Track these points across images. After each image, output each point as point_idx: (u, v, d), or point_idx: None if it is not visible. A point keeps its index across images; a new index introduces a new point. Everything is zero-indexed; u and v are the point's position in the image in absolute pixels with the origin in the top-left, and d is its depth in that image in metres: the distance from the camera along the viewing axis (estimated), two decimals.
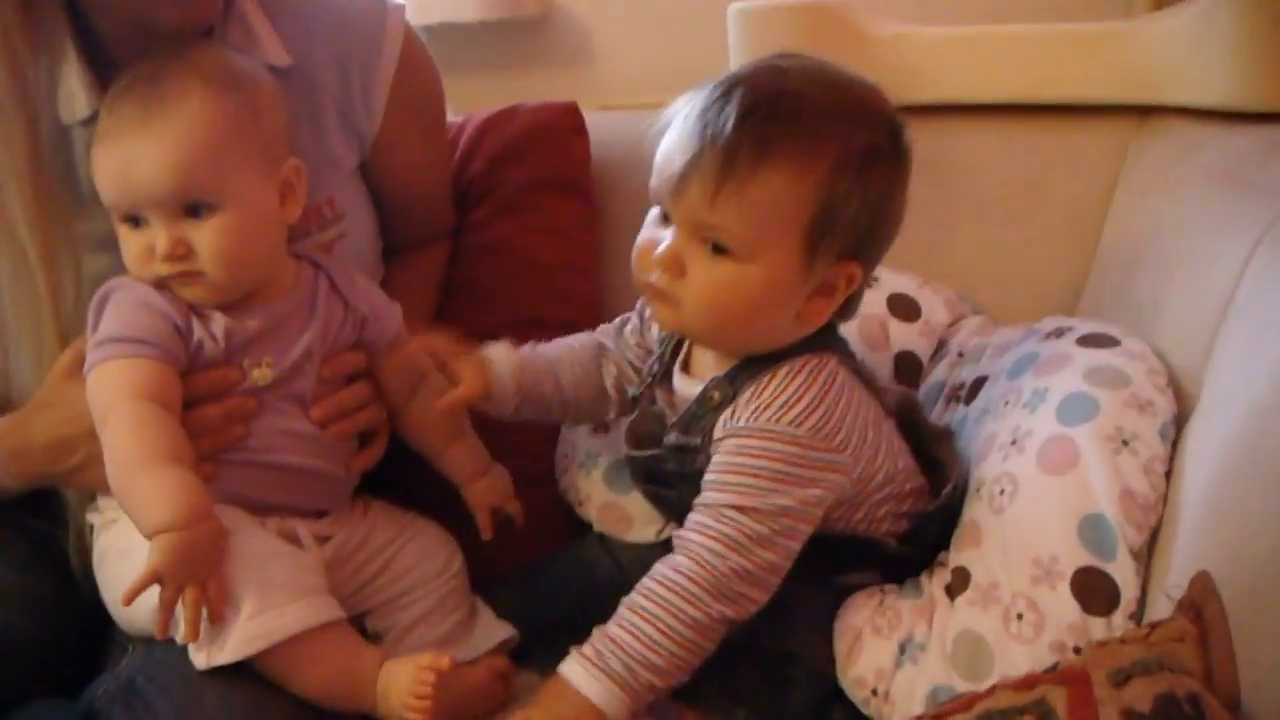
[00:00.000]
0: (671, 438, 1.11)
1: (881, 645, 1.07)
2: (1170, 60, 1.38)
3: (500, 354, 1.22)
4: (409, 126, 1.34)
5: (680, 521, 1.08)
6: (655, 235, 1.05)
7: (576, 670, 1.01)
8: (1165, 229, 1.30)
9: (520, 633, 1.24)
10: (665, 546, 1.25)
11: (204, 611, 1.00)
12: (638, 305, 1.26)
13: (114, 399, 1.03)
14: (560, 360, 1.24)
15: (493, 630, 1.22)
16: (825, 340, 1.08)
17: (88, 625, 1.17)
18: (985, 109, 1.49)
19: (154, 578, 0.97)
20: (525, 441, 1.36)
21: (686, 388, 1.11)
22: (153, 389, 1.04)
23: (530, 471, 1.34)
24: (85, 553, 1.17)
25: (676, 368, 1.14)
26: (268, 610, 1.01)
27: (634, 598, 1.03)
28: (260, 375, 1.10)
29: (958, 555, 1.09)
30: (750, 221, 1.00)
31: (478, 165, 1.54)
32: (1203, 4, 1.36)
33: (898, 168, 1.04)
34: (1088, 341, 1.17)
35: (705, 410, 1.07)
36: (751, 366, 1.06)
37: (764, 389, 1.04)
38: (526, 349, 1.25)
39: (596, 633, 1.03)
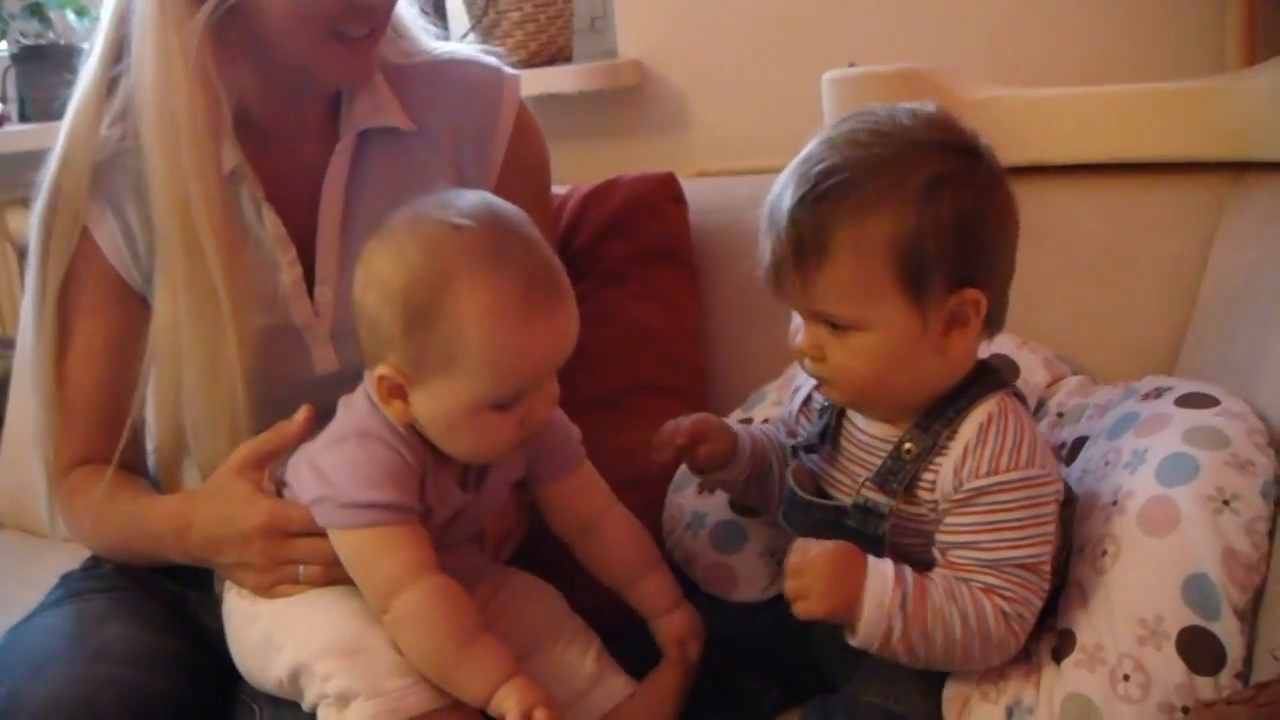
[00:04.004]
0: (862, 495, 1.11)
1: (990, 710, 1.08)
2: (1263, 116, 1.38)
3: (732, 422, 1.26)
4: (520, 193, 1.36)
5: None
6: (795, 325, 1.10)
7: (878, 590, 1.03)
8: (1264, 285, 1.30)
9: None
10: (770, 606, 1.28)
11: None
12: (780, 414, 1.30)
13: (403, 579, 1.05)
14: (762, 439, 1.27)
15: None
16: (999, 379, 1.11)
17: (217, 684, 1.21)
18: (1079, 169, 1.51)
19: (530, 706, 1.02)
20: (632, 505, 1.39)
21: (876, 430, 1.12)
22: (427, 556, 1.07)
23: None
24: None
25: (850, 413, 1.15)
26: (393, 690, 1.04)
27: (954, 590, 1.04)
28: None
29: (1063, 618, 1.09)
30: (844, 296, 1.03)
31: (581, 239, 1.58)
32: None
33: (970, 183, 1.03)
34: (1186, 401, 1.17)
35: (902, 463, 1.09)
36: (942, 413, 1.08)
37: (986, 437, 1.05)
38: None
39: (916, 580, 1.04)
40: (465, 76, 1.35)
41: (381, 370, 1.06)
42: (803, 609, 1.05)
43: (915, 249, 1.01)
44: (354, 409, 1.11)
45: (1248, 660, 1.02)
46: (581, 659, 1.22)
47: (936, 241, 1.01)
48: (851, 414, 1.16)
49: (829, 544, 1.06)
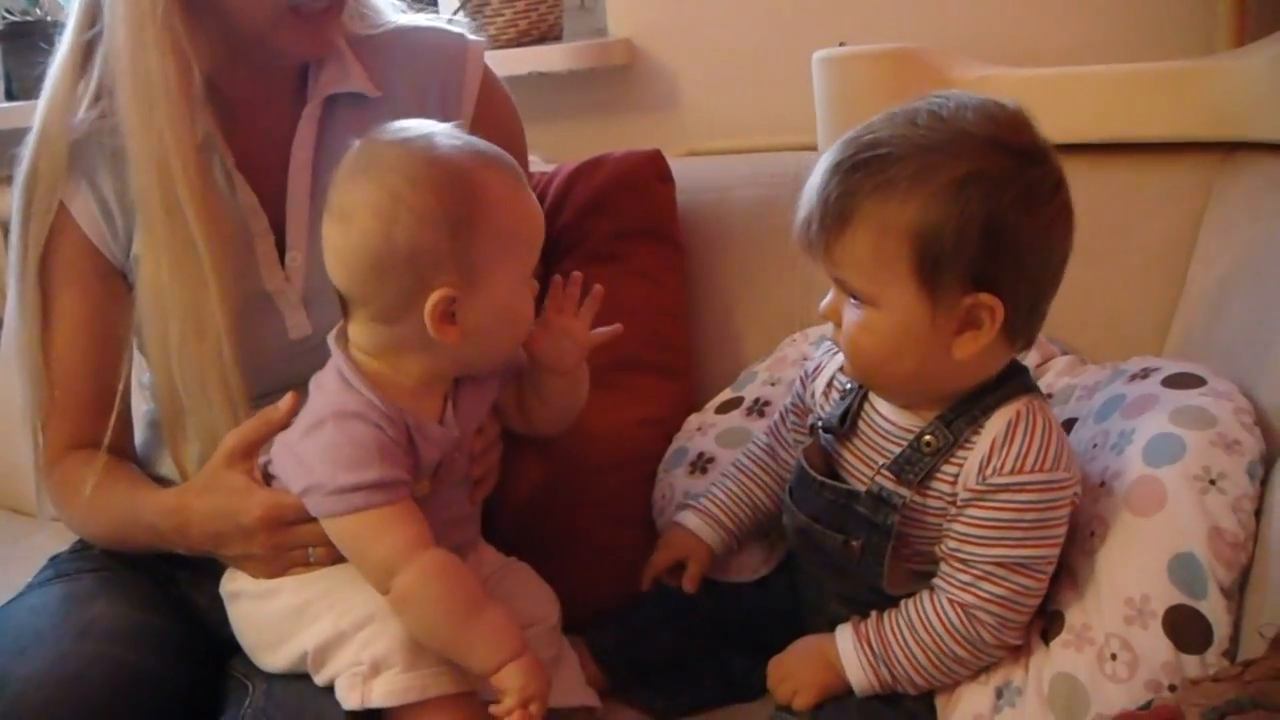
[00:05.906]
0: (877, 482, 1.11)
1: (979, 691, 1.09)
2: (1253, 96, 1.38)
3: (696, 521, 1.28)
4: None
5: (815, 565, 1.15)
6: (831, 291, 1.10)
7: (851, 655, 1.10)
8: (1252, 266, 1.30)
9: (619, 669, 1.27)
10: (761, 585, 1.28)
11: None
12: (790, 399, 1.30)
13: (401, 557, 1.04)
14: (746, 483, 1.30)
15: (577, 689, 1.22)
16: (1027, 381, 1.10)
17: (208, 662, 1.21)
18: (1068, 149, 1.46)
19: (529, 697, 1.03)
20: (622, 483, 1.39)
21: (898, 418, 1.12)
22: (421, 532, 1.06)
23: (628, 511, 1.36)
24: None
25: (874, 398, 1.15)
26: (422, 668, 1.04)
27: (913, 617, 1.09)
28: (419, 489, 1.10)
29: (1051, 599, 1.09)
30: (860, 269, 1.03)
31: (567, 216, 1.57)
32: None
33: (1010, 187, 1.00)
34: (1173, 382, 1.18)
35: (921, 455, 1.09)
36: (967, 410, 1.08)
37: (1014, 435, 1.05)
38: (715, 492, 1.30)
39: (875, 626, 1.11)
40: (429, 44, 1.37)
41: (436, 295, 1.05)
42: (801, 702, 1.12)
43: (933, 240, 1.00)
44: (325, 389, 1.10)
45: (1234, 638, 1.03)
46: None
47: (957, 238, 0.99)
48: (874, 400, 1.15)
49: (791, 645, 1.15)
